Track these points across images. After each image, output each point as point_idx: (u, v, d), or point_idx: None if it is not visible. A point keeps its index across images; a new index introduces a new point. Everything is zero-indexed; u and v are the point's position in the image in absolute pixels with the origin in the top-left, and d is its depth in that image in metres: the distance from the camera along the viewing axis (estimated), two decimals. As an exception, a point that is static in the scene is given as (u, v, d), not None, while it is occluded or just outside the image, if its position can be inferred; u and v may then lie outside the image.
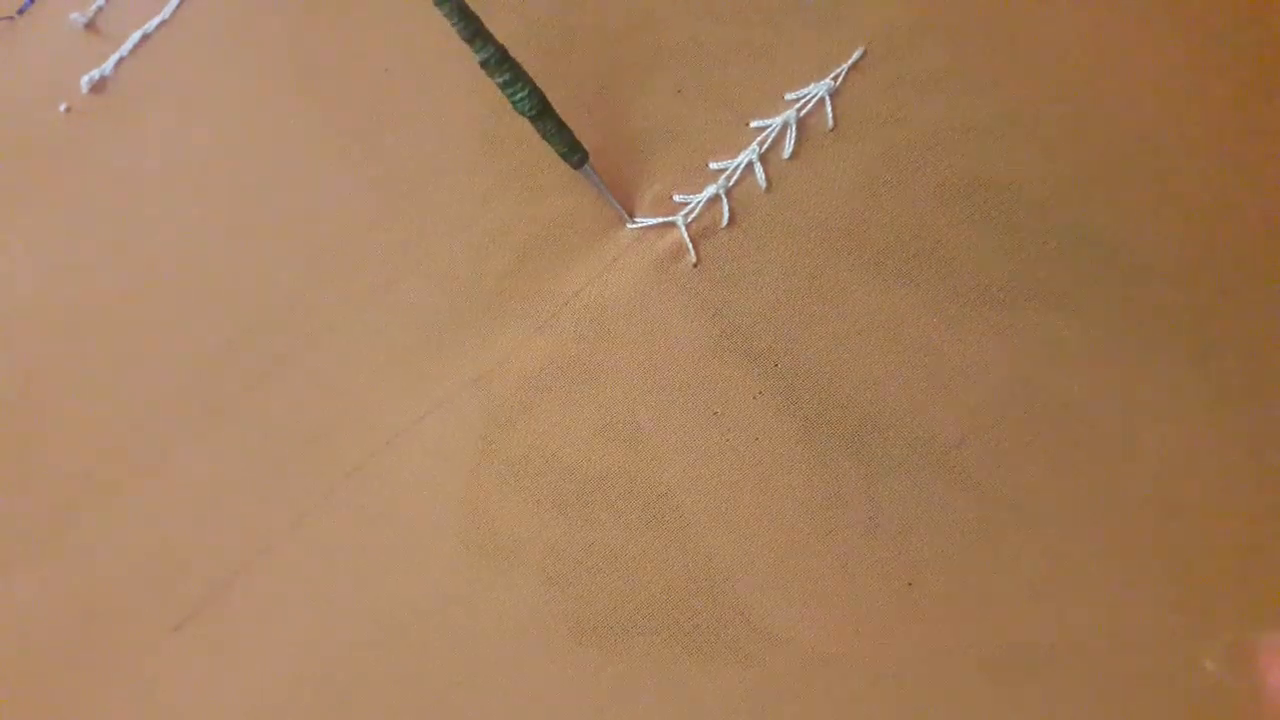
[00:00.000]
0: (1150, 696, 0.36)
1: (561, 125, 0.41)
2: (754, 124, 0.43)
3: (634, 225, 0.43)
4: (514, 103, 0.40)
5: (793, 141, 0.43)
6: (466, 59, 0.40)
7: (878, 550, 0.38)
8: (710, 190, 0.43)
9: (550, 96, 0.41)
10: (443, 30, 0.39)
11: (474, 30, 0.39)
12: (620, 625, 0.39)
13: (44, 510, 0.41)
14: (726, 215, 0.42)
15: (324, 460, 0.41)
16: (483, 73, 0.40)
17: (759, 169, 0.43)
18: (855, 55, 0.44)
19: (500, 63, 0.39)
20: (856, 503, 0.39)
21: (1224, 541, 0.37)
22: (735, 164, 0.43)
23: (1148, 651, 0.36)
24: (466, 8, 0.38)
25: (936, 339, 0.40)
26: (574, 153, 0.41)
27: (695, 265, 0.42)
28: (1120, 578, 0.37)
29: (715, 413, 0.40)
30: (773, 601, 0.38)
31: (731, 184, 0.43)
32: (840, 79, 0.43)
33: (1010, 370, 0.39)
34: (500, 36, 0.39)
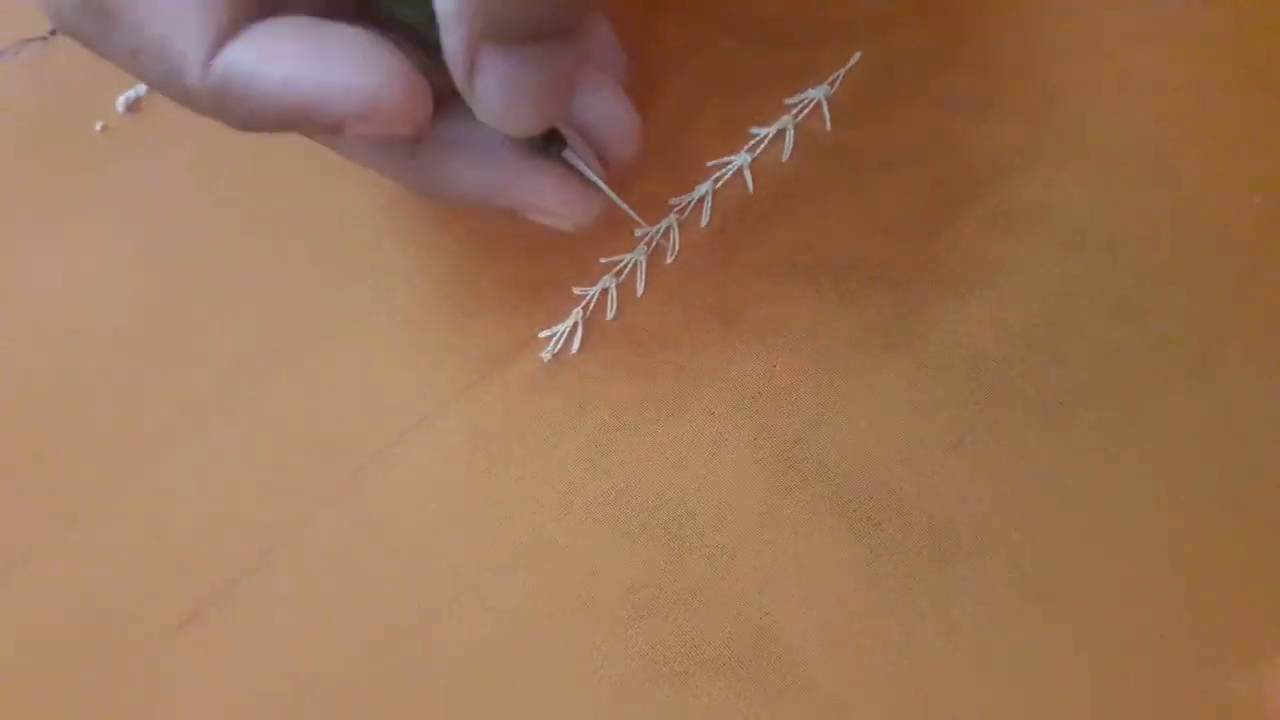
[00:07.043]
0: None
1: None
2: (752, 130, 0.44)
3: (641, 232, 0.43)
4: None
5: (790, 146, 0.43)
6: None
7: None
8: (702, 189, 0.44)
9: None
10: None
11: None
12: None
13: (47, 508, 0.42)
14: (708, 213, 0.43)
15: (330, 458, 0.42)
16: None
17: (748, 175, 0.43)
18: (853, 59, 0.44)
19: None
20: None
21: (1230, 550, 0.37)
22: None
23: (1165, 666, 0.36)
24: None
25: (936, 337, 0.40)
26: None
27: (672, 260, 0.42)
28: (1126, 588, 0.37)
29: (713, 413, 0.40)
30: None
31: (720, 184, 0.44)
32: (837, 83, 0.44)
33: (1011, 365, 0.39)
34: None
